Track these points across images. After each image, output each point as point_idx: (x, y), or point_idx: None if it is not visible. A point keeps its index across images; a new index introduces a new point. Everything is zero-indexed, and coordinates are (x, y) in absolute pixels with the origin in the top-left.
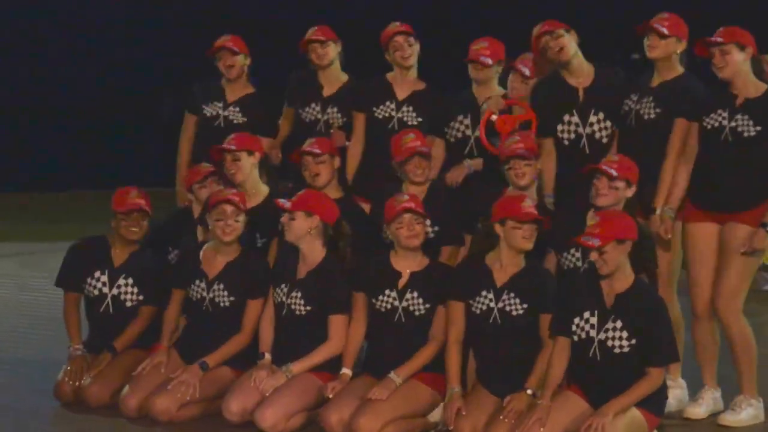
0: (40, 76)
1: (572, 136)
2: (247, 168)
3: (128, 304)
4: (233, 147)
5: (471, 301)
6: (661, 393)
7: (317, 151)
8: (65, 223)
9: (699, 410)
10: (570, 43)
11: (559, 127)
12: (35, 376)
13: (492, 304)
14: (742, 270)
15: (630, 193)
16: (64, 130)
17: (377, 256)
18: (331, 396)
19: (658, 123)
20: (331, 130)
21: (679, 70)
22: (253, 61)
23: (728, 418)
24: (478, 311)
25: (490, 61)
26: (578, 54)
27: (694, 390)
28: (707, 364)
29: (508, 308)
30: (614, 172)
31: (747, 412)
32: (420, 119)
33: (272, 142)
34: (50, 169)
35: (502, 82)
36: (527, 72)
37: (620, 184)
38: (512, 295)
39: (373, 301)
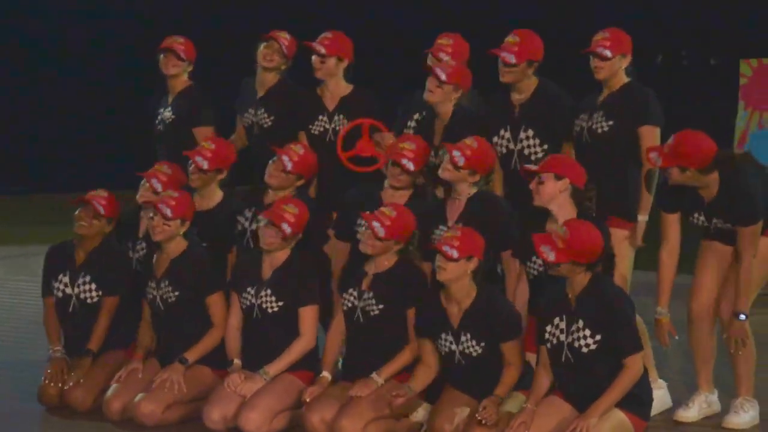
0: (29, 78)
1: (504, 150)
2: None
3: (89, 301)
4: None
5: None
6: (647, 397)
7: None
8: (52, 226)
9: (689, 413)
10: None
11: (494, 140)
12: (20, 379)
13: (453, 346)
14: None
15: (562, 186)
16: (52, 131)
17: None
18: (309, 400)
19: (611, 135)
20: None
21: (625, 79)
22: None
23: (734, 421)
24: (440, 351)
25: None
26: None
27: (679, 394)
28: (703, 366)
29: (467, 350)
30: (533, 166)
31: (749, 413)
32: None
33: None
34: (38, 171)
35: None
36: (443, 76)
37: (545, 177)
38: (468, 336)
39: (342, 299)
